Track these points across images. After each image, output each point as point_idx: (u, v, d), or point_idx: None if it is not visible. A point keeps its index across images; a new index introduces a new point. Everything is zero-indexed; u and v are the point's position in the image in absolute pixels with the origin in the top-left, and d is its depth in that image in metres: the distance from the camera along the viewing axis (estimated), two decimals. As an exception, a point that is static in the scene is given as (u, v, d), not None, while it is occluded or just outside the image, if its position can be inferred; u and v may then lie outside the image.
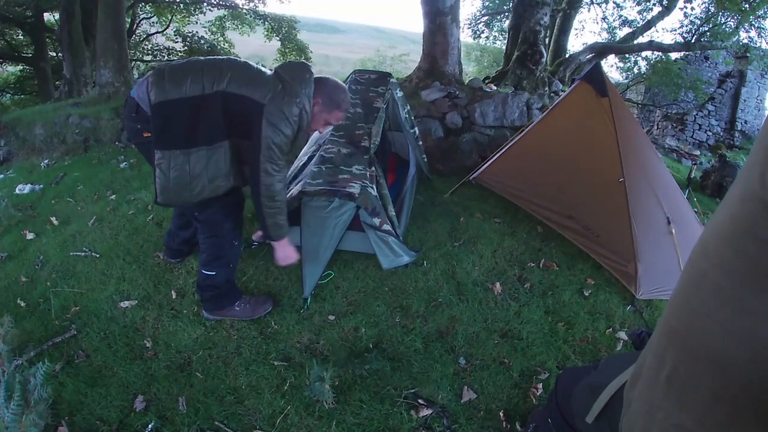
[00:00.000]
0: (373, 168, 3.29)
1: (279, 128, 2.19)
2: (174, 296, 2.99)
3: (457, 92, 6.09)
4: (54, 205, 4.65)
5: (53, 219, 4.19)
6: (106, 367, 2.45)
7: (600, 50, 10.44)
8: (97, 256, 3.43)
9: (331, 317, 2.84)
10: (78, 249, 3.53)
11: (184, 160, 2.20)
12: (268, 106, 2.17)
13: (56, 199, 4.82)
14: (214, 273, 2.59)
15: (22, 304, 2.98)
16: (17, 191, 5.16)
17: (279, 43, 16.49)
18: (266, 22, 16.21)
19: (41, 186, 5.31)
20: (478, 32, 15.53)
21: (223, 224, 2.53)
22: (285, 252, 2.57)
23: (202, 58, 2.33)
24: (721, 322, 0.64)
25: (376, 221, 3.07)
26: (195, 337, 2.65)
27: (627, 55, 13.31)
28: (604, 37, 13.04)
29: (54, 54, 15.20)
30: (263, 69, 2.34)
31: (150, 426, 2.11)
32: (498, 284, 3.23)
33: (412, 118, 4.46)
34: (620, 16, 12.64)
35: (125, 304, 2.92)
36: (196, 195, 2.28)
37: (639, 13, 11.99)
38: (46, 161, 6.50)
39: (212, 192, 2.32)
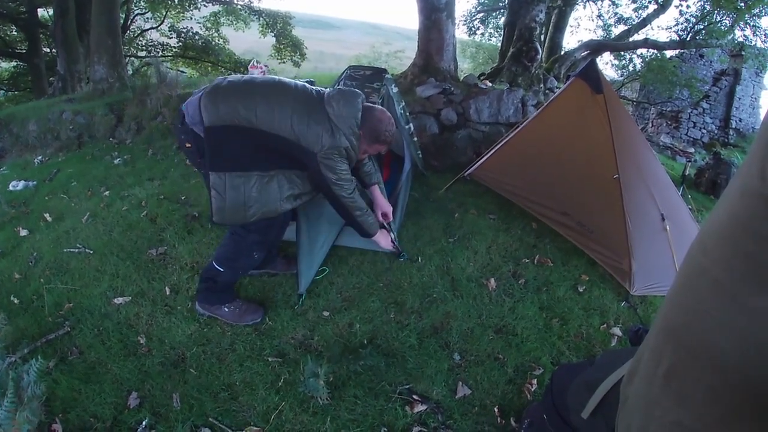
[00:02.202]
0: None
1: (336, 168, 2.35)
2: (168, 292, 2.98)
3: (452, 89, 6.08)
4: (47, 201, 4.63)
5: (47, 215, 4.17)
6: (99, 363, 2.44)
7: (595, 47, 10.45)
8: (91, 252, 3.42)
9: (326, 313, 2.84)
10: (71, 245, 3.52)
11: (241, 183, 2.31)
12: (319, 155, 2.29)
13: (50, 195, 4.80)
14: (222, 270, 2.61)
15: (16, 301, 2.96)
16: (10, 188, 5.14)
17: (274, 39, 16.45)
18: (261, 18, 16.19)
19: (35, 182, 5.28)
20: (473, 29, 15.49)
21: (249, 235, 2.55)
22: (382, 241, 2.94)
23: (258, 80, 2.35)
24: (719, 319, 0.64)
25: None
26: (189, 334, 2.64)
27: (622, 53, 13.33)
28: (599, 34, 13.07)
29: (48, 50, 15.10)
30: (314, 98, 2.35)
31: (144, 423, 2.10)
32: (492, 280, 3.23)
33: (407, 114, 4.45)
34: (615, 13, 12.66)
35: (119, 300, 2.90)
36: (250, 216, 2.39)
37: (634, 10, 12.00)
38: (39, 157, 6.47)
39: (265, 215, 2.42)
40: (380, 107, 2.54)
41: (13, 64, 16.81)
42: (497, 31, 15.56)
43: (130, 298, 2.93)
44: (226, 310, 2.72)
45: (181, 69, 15.82)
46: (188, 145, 2.40)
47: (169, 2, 15.83)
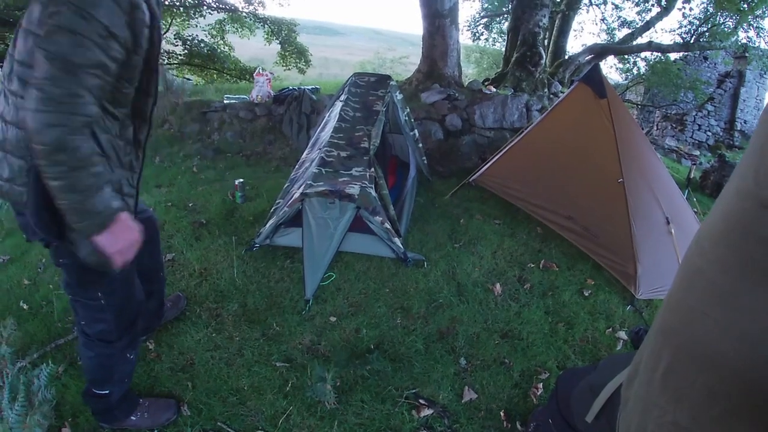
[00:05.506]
0: (373, 169, 3.31)
1: (78, 32, 1.23)
2: (176, 298, 3.00)
3: (457, 94, 6.11)
4: (56, 208, 4.66)
5: (55, 222, 4.20)
6: (109, 369, 2.46)
7: (599, 51, 10.45)
8: (100, 259, 3.43)
9: (333, 318, 2.86)
10: (80, 252, 3.53)
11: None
12: (40, 25, 1.28)
13: (58, 202, 4.82)
14: (107, 392, 2.00)
15: (25, 306, 2.99)
16: (19, 195, 5.17)
17: (279, 46, 16.53)
18: (266, 26, 16.26)
19: (43, 190, 5.31)
20: (477, 34, 15.51)
21: (113, 345, 1.89)
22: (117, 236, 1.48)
23: None
24: (716, 320, 0.64)
25: (378, 219, 3.11)
26: (198, 339, 2.66)
27: (626, 56, 13.29)
28: (603, 38, 13.01)
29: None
30: None
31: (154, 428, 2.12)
32: (498, 285, 3.24)
33: (412, 120, 4.48)
34: (619, 17, 12.63)
35: (128, 306, 2.92)
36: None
37: (638, 14, 11.98)
38: (47, 165, 6.50)
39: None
40: None
41: (20, 72, 16.93)
42: (501, 37, 15.56)
43: (139, 304, 2.95)
44: (134, 418, 2.14)
45: (187, 76, 15.85)
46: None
47: (175, 10, 15.93)
